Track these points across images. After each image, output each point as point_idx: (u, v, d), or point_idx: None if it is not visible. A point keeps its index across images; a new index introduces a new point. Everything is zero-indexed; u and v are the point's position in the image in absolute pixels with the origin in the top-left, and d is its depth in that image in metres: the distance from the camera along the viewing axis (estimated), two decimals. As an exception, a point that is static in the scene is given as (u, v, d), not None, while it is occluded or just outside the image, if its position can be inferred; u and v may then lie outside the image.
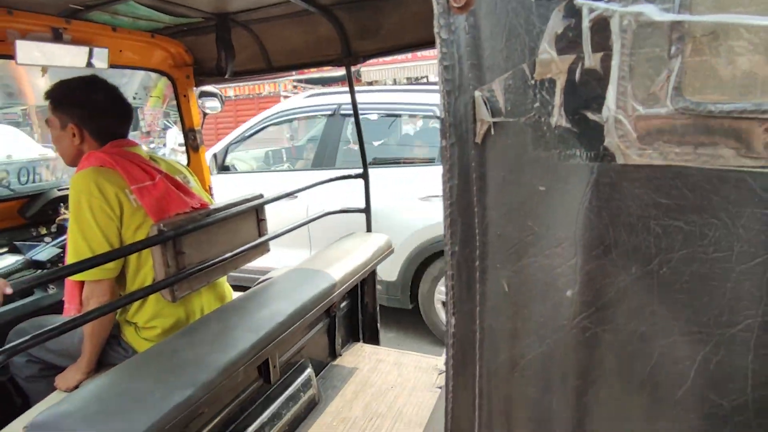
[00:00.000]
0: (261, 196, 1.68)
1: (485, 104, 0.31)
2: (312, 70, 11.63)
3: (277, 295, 1.49)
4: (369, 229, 2.12)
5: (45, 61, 1.54)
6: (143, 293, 1.27)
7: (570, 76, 0.28)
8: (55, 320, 1.20)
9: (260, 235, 1.69)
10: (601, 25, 0.28)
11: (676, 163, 0.27)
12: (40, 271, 1.72)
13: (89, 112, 1.39)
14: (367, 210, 2.12)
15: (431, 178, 2.89)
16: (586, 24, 0.28)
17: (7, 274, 1.62)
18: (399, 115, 3.47)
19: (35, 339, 0.99)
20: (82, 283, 1.32)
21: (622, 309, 0.30)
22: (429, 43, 1.78)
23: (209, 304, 1.55)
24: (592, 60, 0.28)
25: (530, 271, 0.32)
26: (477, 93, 0.31)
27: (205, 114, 2.30)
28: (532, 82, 0.29)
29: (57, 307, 1.56)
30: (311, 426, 1.59)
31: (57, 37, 1.56)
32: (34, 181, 2.02)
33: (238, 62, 1.95)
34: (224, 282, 1.65)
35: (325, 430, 1.57)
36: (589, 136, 0.29)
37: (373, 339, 2.17)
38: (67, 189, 1.95)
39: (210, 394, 1.07)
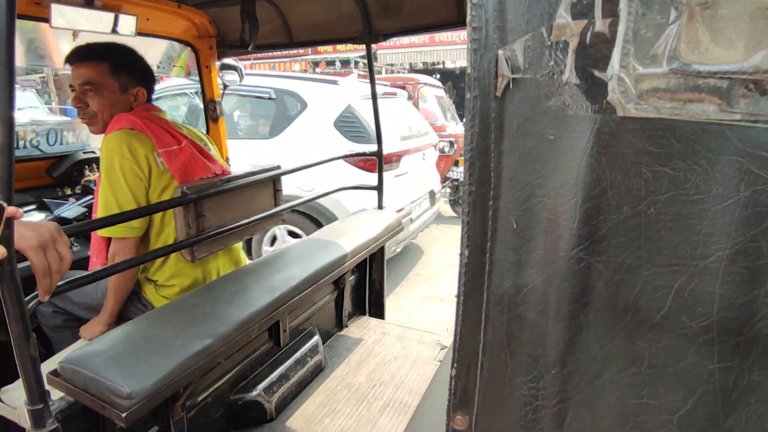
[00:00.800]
0: (279, 167, 1.74)
1: (506, 62, 0.35)
2: (327, 49, 11.55)
3: (290, 262, 1.55)
4: (380, 206, 2.17)
5: (77, 26, 1.59)
6: (166, 251, 1.34)
7: (581, 38, 0.33)
8: (79, 275, 1.28)
9: (276, 204, 1.75)
10: (612, -4, 0.32)
11: (668, 117, 0.31)
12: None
13: (148, 75, 1.48)
14: (379, 187, 2.16)
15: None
16: (599, -6, 0.32)
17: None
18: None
19: (60, 289, 1.05)
20: (108, 240, 1.39)
21: (613, 243, 0.35)
22: (450, 24, 1.80)
23: (225, 268, 1.62)
24: (601, 24, 0.32)
25: (536, 209, 0.36)
26: (500, 52, 0.35)
27: (225, 86, 2.34)
28: (549, 43, 0.33)
29: (80, 264, 1.64)
30: (316, 389, 1.67)
31: (88, 3, 1.61)
32: (61, 143, 2.09)
33: (261, 35, 1.98)
34: (240, 247, 1.72)
35: (329, 394, 1.65)
36: (595, 92, 0.33)
37: (379, 313, 2.24)
38: (92, 152, 2.03)
39: (226, 346, 1.14)
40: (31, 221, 0.91)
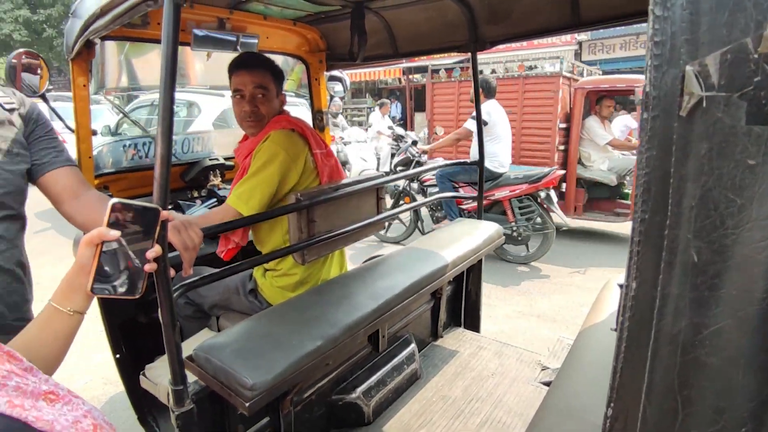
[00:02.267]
0: (383, 175, 1.78)
1: (696, 78, 0.32)
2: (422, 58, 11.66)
3: (392, 270, 1.58)
4: (480, 216, 2.13)
5: (211, 47, 1.79)
6: (281, 253, 1.43)
7: (799, 50, 0.28)
8: (205, 271, 1.41)
9: (379, 212, 1.79)
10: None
11: None
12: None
13: (283, 83, 1.65)
14: (479, 197, 2.12)
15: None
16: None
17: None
18: None
19: (194, 284, 1.17)
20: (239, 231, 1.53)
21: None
22: (563, 28, 1.71)
23: (330, 272, 1.70)
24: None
25: (726, 242, 0.32)
26: (688, 67, 0.32)
27: (332, 97, 2.46)
28: (755, 56, 0.29)
29: (207, 260, 1.82)
30: (412, 398, 1.67)
31: (221, 26, 1.80)
32: (192, 152, 2.36)
33: (367, 48, 2.05)
34: (344, 253, 1.79)
35: (425, 404, 1.64)
36: (816, 111, 0.29)
37: (474, 326, 2.19)
38: (215, 159, 2.24)
39: (334, 348, 1.18)
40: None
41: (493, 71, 5.79)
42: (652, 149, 0.34)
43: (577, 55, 12.24)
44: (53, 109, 1.55)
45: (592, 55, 12.37)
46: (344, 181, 1.66)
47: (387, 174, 1.83)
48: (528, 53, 11.35)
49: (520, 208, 4.22)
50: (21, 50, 1.45)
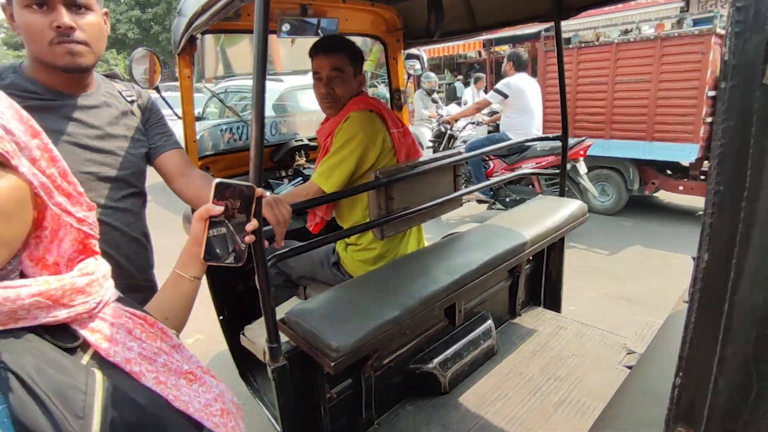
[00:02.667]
0: (459, 152, 1.78)
1: (782, 44, 0.31)
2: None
3: (469, 246, 1.59)
4: (562, 194, 2.04)
5: (296, 34, 1.88)
6: (360, 229, 1.52)
7: None
8: (293, 244, 1.54)
9: (455, 189, 1.80)
10: None
11: None
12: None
13: (363, 63, 1.70)
14: (562, 173, 2.03)
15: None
16: None
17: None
18: None
19: (285, 254, 1.28)
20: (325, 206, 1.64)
21: None
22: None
23: (408, 247, 1.76)
24: None
25: (811, 214, 0.31)
26: (773, 33, 0.31)
27: (409, 75, 2.47)
28: None
29: (295, 234, 1.97)
30: (488, 372, 1.70)
31: (303, 12, 1.89)
32: (279, 133, 2.53)
33: (444, 23, 2.03)
34: (422, 229, 1.84)
35: (501, 379, 1.66)
36: None
37: (554, 306, 2.14)
38: (300, 140, 2.38)
39: (412, 318, 1.24)
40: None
41: (581, 39, 5.32)
42: (729, 120, 0.33)
43: (683, 11, 10.85)
44: (165, 99, 1.76)
45: (704, 13, 10.89)
46: (421, 159, 1.70)
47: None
48: (622, 15, 10.28)
49: (546, 180, 4.04)
50: (139, 49, 1.65)
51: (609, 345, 1.82)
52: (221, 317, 1.98)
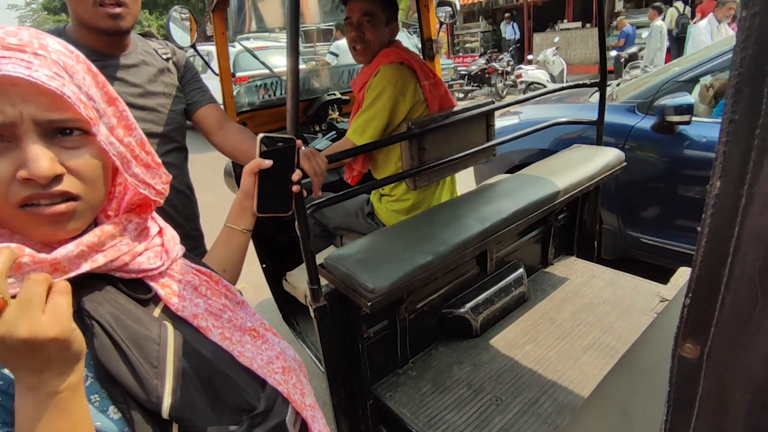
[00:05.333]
0: (492, 102, 1.76)
1: (804, -32, 0.31)
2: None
3: (501, 195, 1.61)
4: (599, 142, 1.99)
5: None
6: (394, 179, 1.56)
7: None
8: (329, 195, 1.60)
9: (488, 139, 1.80)
10: None
11: None
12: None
13: (397, 12, 1.69)
14: (599, 121, 1.97)
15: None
16: None
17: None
18: None
19: (321, 204, 1.35)
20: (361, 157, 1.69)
21: None
22: None
23: (441, 197, 1.79)
24: None
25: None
26: (796, -42, 0.31)
27: (441, 23, 2.40)
28: None
29: (331, 187, 2.04)
30: (518, 317, 1.75)
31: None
32: (311, 88, 2.55)
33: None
34: (455, 179, 1.86)
35: (531, 324, 1.71)
36: None
37: (588, 255, 2.14)
38: (333, 94, 2.40)
39: (443, 264, 1.30)
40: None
41: None
42: (747, 48, 0.34)
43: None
44: (202, 57, 1.81)
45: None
46: (454, 108, 1.69)
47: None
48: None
49: None
50: (175, 7, 1.69)
51: (642, 293, 1.82)
52: (264, 265, 2.11)
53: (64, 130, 0.49)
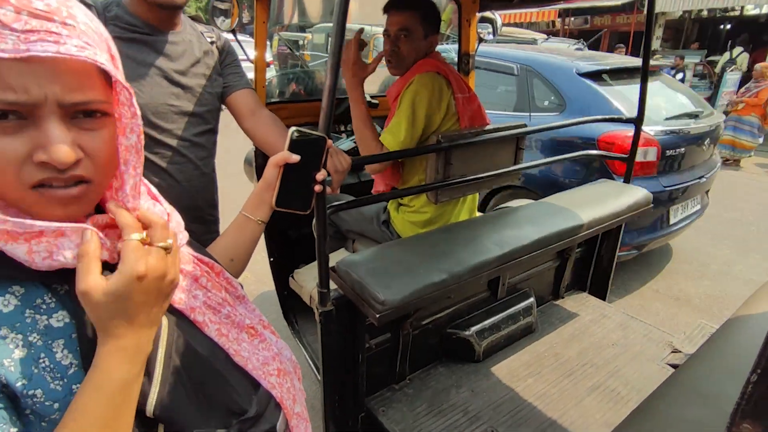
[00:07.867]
0: (524, 125, 1.72)
1: None
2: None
3: (522, 221, 1.57)
4: (627, 180, 1.94)
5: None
6: (416, 190, 1.53)
7: None
8: (347, 198, 1.58)
9: (515, 162, 1.76)
10: None
11: None
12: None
13: (439, 24, 1.66)
14: (630, 159, 1.93)
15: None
16: None
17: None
18: None
19: (338, 207, 1.31)
20: (388, 170, 1.65)
21: None
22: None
23: (460, 215, 1.75)
24: None
25: None
26: None
27: (480, 40, 2.38)
28: None
29: (349, 190, 2.01)
30: (523, 348, 1.70)
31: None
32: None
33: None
34: (476, 198, 1.82)
35: (536, 357, 1.66)
36: None
37: (600, 293, 2.08)
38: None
39: (457, 285, 1.26)
40: None
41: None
42: None
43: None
44: (239, 43, 1.79)
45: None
46: (487, 127, 1.65)
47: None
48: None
49: None
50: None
51: (653, 340, 1.77)
52: (271, 258, 2.08)
53: (87, 112, 0.47)
